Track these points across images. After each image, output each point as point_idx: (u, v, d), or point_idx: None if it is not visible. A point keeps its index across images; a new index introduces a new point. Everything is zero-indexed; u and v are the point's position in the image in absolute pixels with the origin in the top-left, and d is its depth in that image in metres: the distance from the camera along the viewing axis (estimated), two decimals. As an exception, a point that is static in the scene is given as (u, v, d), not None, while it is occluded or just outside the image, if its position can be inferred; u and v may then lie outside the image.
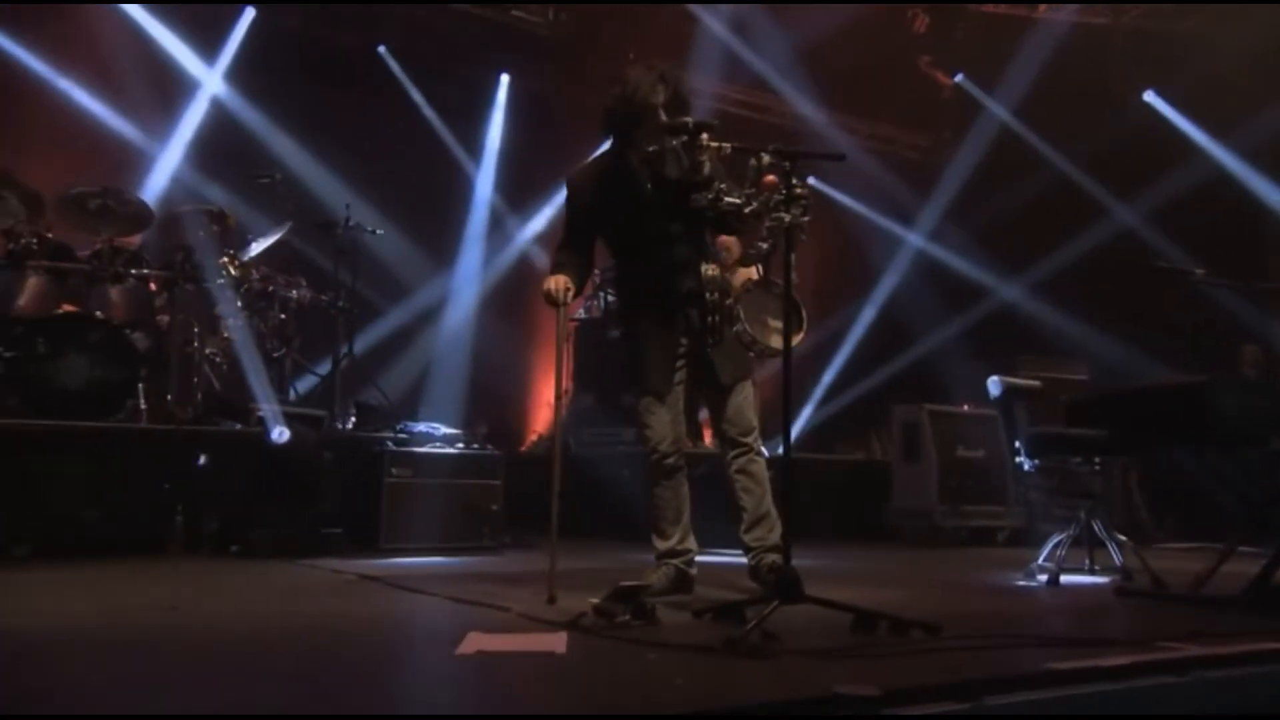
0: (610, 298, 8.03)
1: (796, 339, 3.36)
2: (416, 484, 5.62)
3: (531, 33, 9.93)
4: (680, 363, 3.71)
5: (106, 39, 7.50)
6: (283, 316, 6.39)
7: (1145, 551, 4.75)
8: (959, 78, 10.04)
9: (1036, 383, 5.07)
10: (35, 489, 4.98)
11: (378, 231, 6.80)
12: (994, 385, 4.88)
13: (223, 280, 6.03)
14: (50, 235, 5.73)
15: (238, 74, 8.04)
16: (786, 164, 3.08)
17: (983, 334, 9.19)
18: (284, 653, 2.59)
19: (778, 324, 3.39)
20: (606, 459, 7.00)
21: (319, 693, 2.10)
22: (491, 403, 8.55)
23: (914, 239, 10.23)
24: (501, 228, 9.14)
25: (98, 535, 5.02)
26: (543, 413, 8.61)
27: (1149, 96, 9.09)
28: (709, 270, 3.49)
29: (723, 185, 3.34)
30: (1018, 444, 4.84)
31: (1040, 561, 4.72)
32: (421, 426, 6.10)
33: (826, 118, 10.38)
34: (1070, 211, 8.97)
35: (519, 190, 9.16)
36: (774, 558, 3.62)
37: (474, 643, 2.42)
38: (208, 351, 6.16)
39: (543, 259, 9.50)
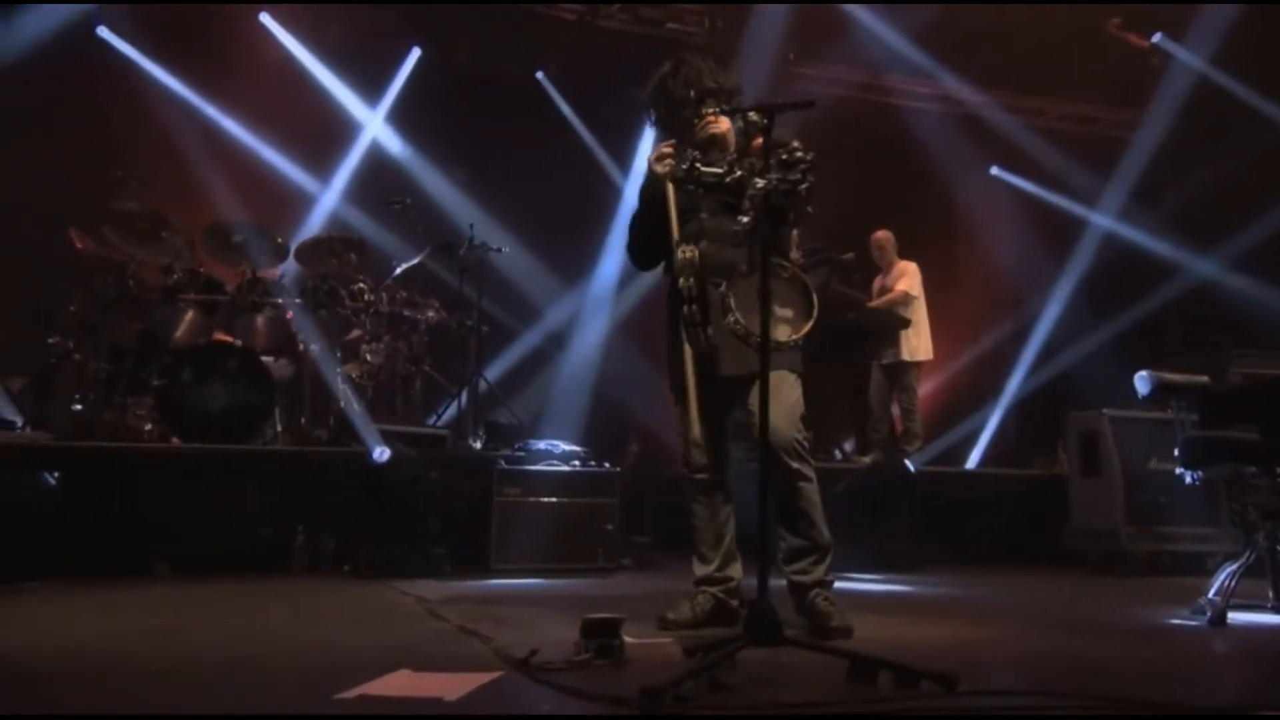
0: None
1: (804, 329, 2.92)
2: (527, 503, 5.52)
3: (689, 43, 9.81)
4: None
5: (275, 86, 8.10)
6: (414, 339, 6.52)
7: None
8: (1156, 38, 8.85)
9: (1203, 378, 4.23)
10: (175, 509, 5.30)
11: (503, 250, 6.83)
12: (1142, 382, 4.13)
13: (356, 305, 6.23)
14: (203, 270, 6.16)
15: (394, 109, 8.43)
16: (764, 121, 2.67)
17: (1190, 325, 8.03)
18: (153, 676, 2.49)
19: (786, 312, 2.96)
20: (751, 475, 6.64)
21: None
22: (648, 420, 8.35)
23: (1103, 221, 9.13)
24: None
25: (230, 553, 5.27)
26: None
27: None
28: (684, 253, 3.03)
29: (728, 159, 2.95)
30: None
31: (1209, 595, 3.91)
32: (541, 444, 6.01)
33: (1006, 101, 9.55)
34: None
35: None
36: (818, 590, 3.19)
37: (378, 685, 2.22)
38: (346, 375, 6.39)
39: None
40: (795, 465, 3.22)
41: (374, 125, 8.54)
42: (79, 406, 5.88)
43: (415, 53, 8.94)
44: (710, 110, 3.07)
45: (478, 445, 6.36)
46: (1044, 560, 6.47)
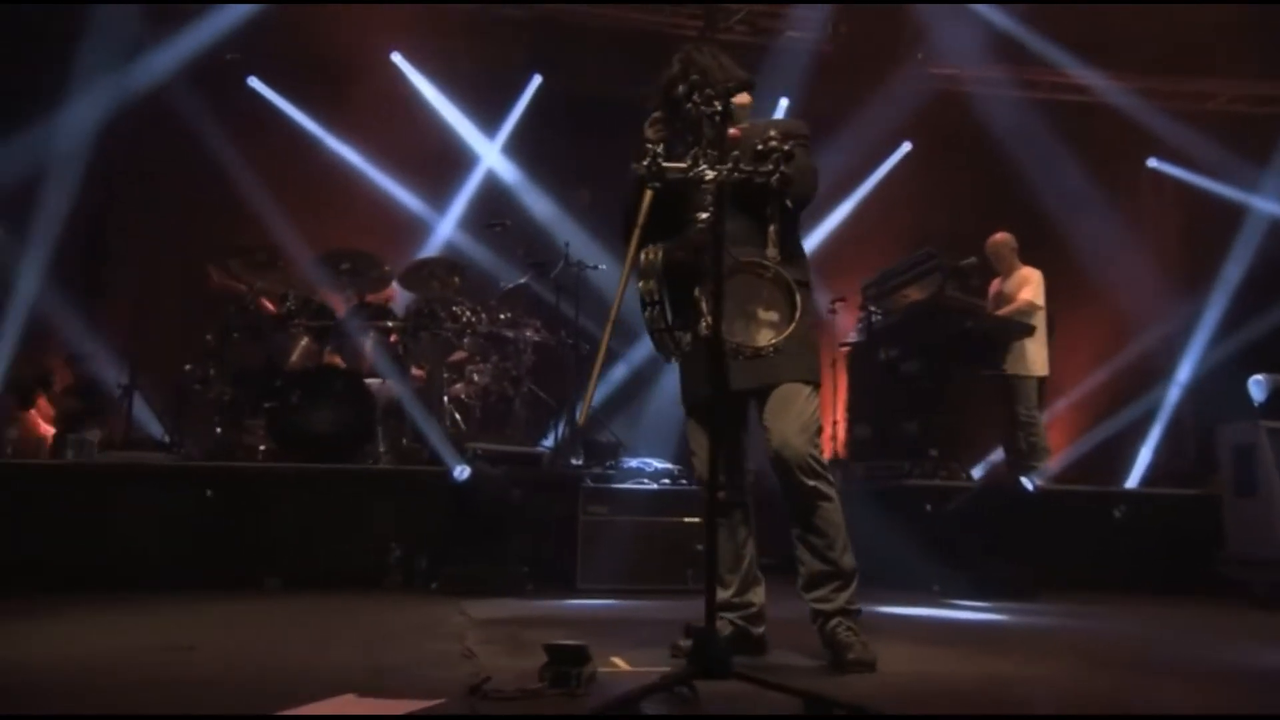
0: (876, 316, 7.31)
1: (787, 332, 2.68)
2: (613, 521, 5.44)
3: (814, 50, 9.55)
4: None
5: (401, 121, 8.47)
6: (517, 359, 6.59)
7: None
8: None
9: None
10: (284, 526, 5.54)
11: (600, 267, 6.81)
12: (1257, 387, 3.61)
13: (456, 327, 6.36)
14: (316, 298, 6.46)
15: (511, 136, 8.66)
16: (717, 108, 2.47)
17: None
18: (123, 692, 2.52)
19: (770, 315, 2.72)
20: (886, 495, 6.32)
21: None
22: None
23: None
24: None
25: (335, 569, 5.45)
26: (825, 445, 7.99)
27: None
28: (646, 255, 2.75)
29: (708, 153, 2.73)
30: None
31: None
32: (634, 462, 5.93)
33: (1169, 86, 8.77)
34: None
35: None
36: (840, 620, 2.93)
37: (315, 708, 2.18)
38: (454, 395, 6.53)
39: (812, 282, 9.00)
40: (811, 483, 2.97)
41: (491, 155, 8.77)
42: (231, 430, 6.27)
43: (536, 80, 9.12)
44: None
45: (577, 464, 6.33)
46: (1198, 590, 5.78)
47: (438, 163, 8.52)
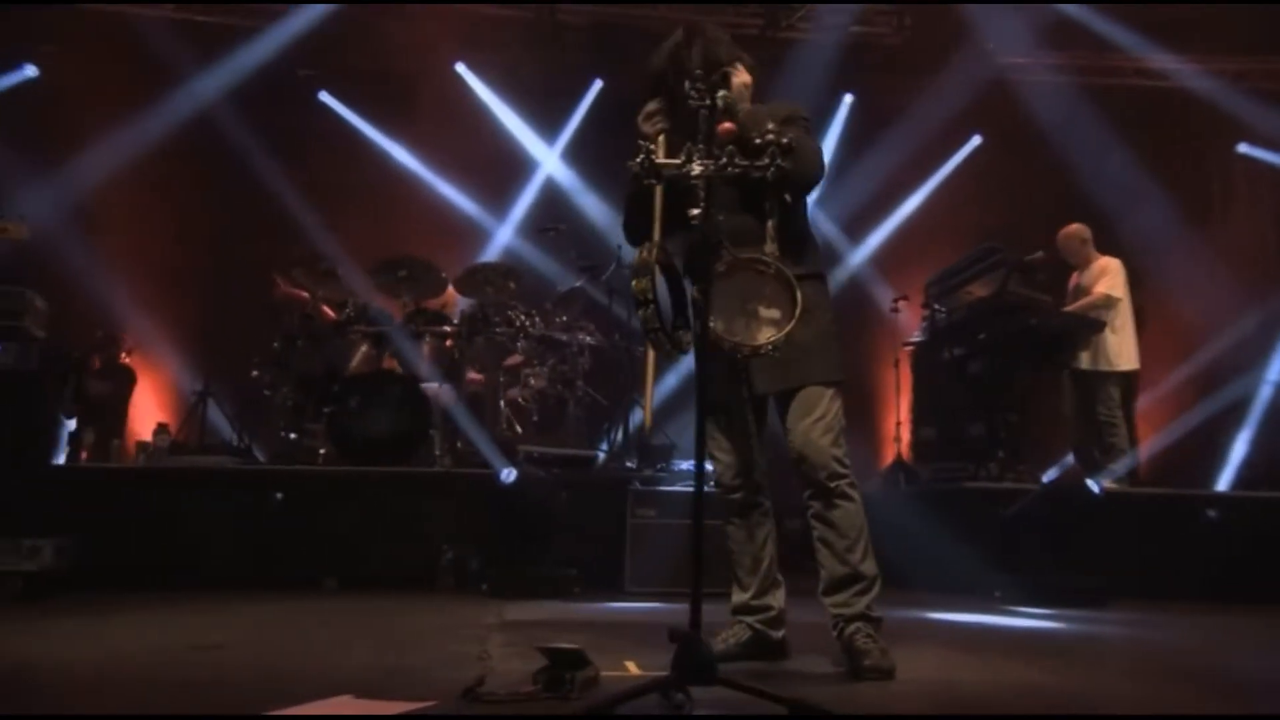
0: (940, 314, 7.11)
1: (788, 329, 2.59)
2: (661, 524, 5.40)
3: (879, 45, 9.36)
4: (743, 371, 3.06)
5: (463, 129, 8.60)
6: (573, 362, 6.60)
7: None
8: None
9: None
10: (342, 528, 5.65)
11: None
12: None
13: (509, 331, 6.41)
14: (373, 305, 6.59)
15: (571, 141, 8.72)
16: (706, 103, 2.40)
17: None
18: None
19: (772, 312, 2.63)
20: (948, 498, 6.15)
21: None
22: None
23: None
24: (830, 251, 8.63)
25: (390, 570, 5.54)
26: (889, 446, 7.81)
27: None
28: (641, 253, 2.63)
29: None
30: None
31: None
32: (685, 464, 5.87)
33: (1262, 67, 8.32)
34: None
35: (854, 214, 8.62)
36: (859, 625, 2.83)
37: (309, 709, 2.19)
38: (510, 398, 6.58)
39: (875, 280, 8.83)
40: (833, 483, 2.90)
41: (550, 160, 8.85)
42: (294, 435, 6.45)
43: (597, 84, 9.15)
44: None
45: (631, 466, 6.31)
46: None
47: (498, 169, 8.65)
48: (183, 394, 7.81)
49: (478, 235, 8.49)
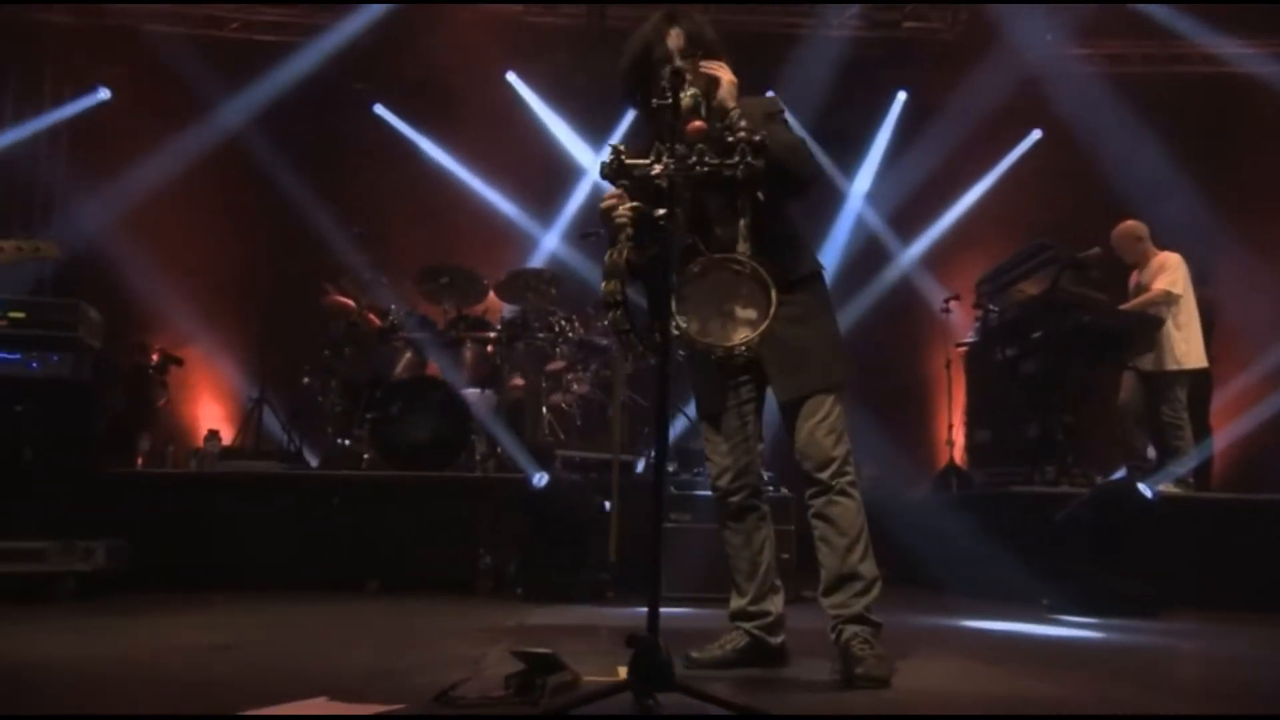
0: (993, 314, 6.90)
1: (762, 329, 2.53)
2: (695, 529, 5.35)
3: (932, 41, 9.17)
4: (745, 377, 3.01)
5: (512, 138, 8.69)
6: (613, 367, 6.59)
7: None
8: None
9: None
10: (384, 532, 5.73)
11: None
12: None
13: (549, 336, 6.43)
14: (416, 312, 6.68)
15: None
16: (668, 99, 2.36)
17: None
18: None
19: (748, 313, 2.58)
20: (1007, 501, 5.98)
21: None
22: (887, 439, 7.75)
23: None
24: (879, 250, 8.47)
25: (431, 574, 5.61)
26: (943, 450, 7.60)
27: None
28: (611, 255, 2.62)
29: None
30: None
31: None
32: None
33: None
34: None
35: (905, 212, 8.45)
36: (856, 630, 2.74)
37: (283, 709, 2.21)
38: (553, 403, 6.60)
39: (927, 281, 8.62)
40: (835, 480, 2.84)
41: (597, 166, 8.88)
42: (344, 440, 6.58)
43: (644, 87, 9.15)
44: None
45: (672, 470, 6.26)
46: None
47: (546, 176, 8.71)
48: (241, 401, 8.02)
49: (525, 242, 8.56)
